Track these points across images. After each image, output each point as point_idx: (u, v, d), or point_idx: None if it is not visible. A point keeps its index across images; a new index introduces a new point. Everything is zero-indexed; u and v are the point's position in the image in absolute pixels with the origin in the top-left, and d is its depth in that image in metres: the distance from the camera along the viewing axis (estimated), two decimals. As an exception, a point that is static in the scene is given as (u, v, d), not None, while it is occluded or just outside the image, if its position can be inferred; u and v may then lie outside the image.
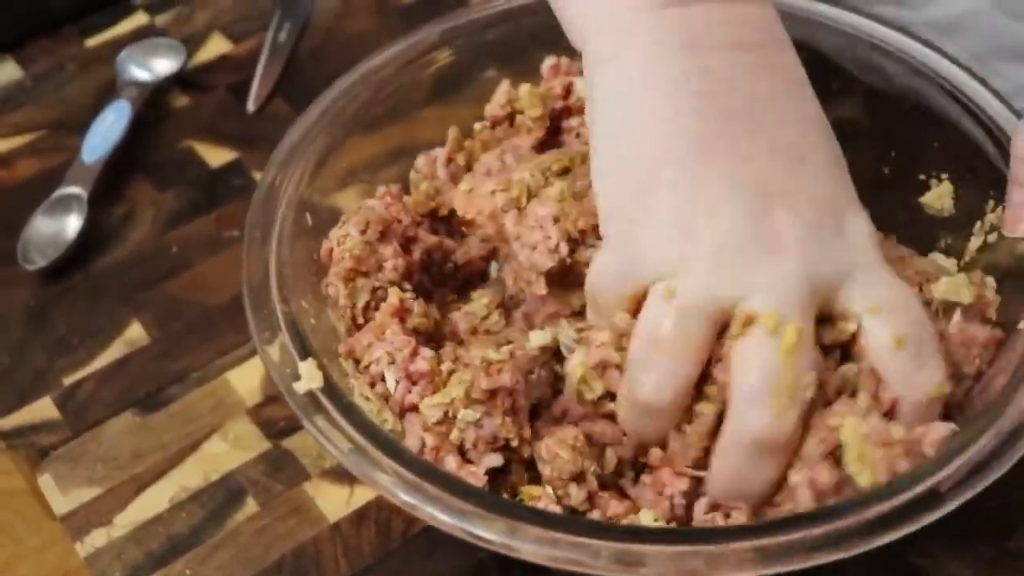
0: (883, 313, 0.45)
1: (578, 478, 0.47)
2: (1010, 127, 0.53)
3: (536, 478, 0.48)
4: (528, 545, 0.41)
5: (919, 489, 0.42)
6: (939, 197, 0.56)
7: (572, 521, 0.45)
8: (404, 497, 0.43)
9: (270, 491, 0.57)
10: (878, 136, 0.59)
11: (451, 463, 0.47)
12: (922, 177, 0.57)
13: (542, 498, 0.47)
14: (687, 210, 0.45)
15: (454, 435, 0.47)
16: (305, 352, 0.48)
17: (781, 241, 0.44)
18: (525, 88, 0.61)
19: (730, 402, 0.44)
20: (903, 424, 0.44)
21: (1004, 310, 0.49)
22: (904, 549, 0.53)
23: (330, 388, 0.47)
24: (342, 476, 0.57)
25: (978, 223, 0.54)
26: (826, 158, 0.47)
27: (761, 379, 0.43)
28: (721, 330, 0.45)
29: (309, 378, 0.47)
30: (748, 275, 0.44)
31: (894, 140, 0.59)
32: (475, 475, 0.46)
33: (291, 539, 0.55)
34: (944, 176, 0.56)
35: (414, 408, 0.48)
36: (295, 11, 0.84)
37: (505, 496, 0.48)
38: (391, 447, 0.45)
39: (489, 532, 0.42)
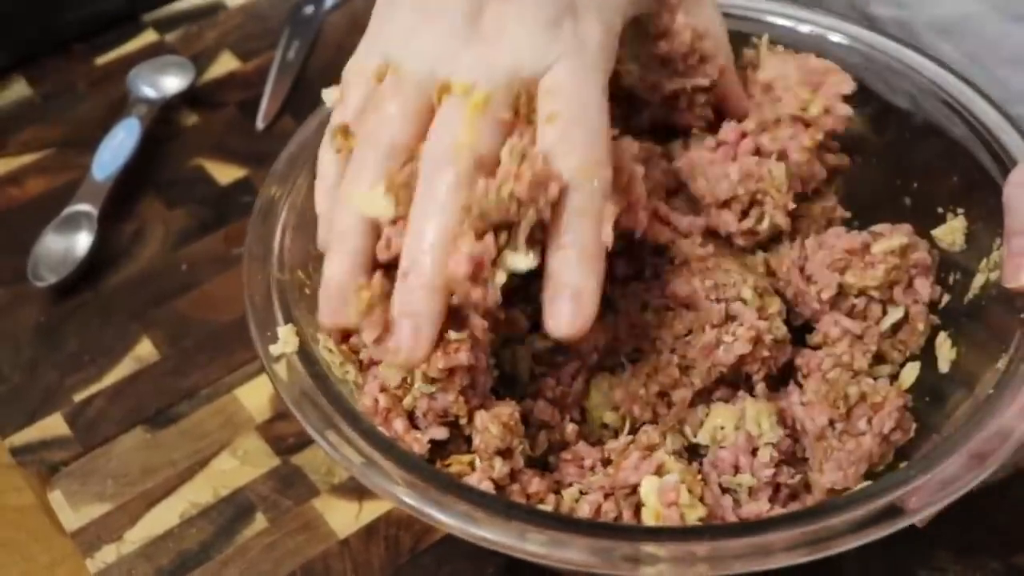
0: (551, 94, 0.47)
1: (504, 454, 0.48)
2: None
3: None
4: (540, 548, 0.42)
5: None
6: (951, 232, 0.56)
7: (586, 524, 0.45)
8: (416, 504, 0.43)
9: (279, 507, 0.57)
10: (903, 165, 0.58)
11: (399, 426, 0.48)
12: (940, 210, 0.57)
13: (470, 466, 0.48)
14: (421, 7, 0.49)
15: (407, 401, 0.48)
16: (311, 365, 0.48)
17: (493, 32, 0.48)
18: None
19: (422, 167, 0.46)
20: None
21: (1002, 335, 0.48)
22: (912, 562, 0.53)
23: (340, 403, 0.47)
24: (351, 492, 0.57)
25: (984, 260, 0.54)
26: None
27: (445, 140, 0.46)
28: None
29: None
30: (459, 56, 0.47)
31: (916, 170, 0.58)
32: (419, 442, 0.48)
33: (300, 555, 0.56)
34: (960, 211, 0.56)
35: (379, 362, 0.49)
36: (304, 29, 0.85)
37: (439, 464, 0.48)
38: (403, 459, 0.45)
39: (501, 536, 0.42)
